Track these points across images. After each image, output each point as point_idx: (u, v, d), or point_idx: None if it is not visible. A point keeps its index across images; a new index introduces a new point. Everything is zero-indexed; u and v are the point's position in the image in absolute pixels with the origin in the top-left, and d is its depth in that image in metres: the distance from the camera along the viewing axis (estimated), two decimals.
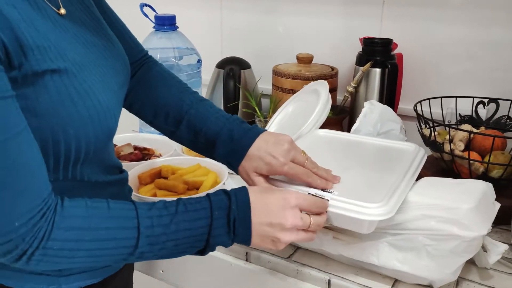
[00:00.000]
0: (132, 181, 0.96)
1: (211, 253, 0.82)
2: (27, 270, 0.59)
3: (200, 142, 0.74)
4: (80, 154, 0.56)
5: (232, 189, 0.61)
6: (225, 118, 0.73)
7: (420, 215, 0.69)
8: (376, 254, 0.71)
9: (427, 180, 0.78)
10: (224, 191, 0.61)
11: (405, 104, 1.17)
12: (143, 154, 1.13)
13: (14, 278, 0.60)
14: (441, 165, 0.99)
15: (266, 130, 0.73)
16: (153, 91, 0.76)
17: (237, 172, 0.72)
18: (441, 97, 1.07)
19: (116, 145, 1.15)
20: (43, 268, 0.57)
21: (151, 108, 0.76)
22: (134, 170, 0.99)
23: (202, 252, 0.61)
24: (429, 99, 1.06)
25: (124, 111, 0.78)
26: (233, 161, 0.71)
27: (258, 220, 0.59)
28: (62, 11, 0.56)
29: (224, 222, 0.58)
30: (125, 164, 1.05)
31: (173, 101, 0.74)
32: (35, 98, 0.49)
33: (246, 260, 0.80)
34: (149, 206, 0.56)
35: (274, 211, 0.59)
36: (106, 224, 0.53)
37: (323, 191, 0.69)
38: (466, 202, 0.68)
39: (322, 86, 1.00)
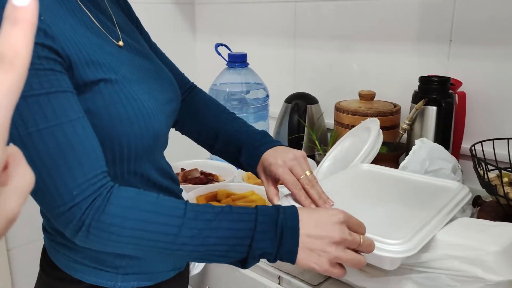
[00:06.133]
0: (191, 201, 1.06)
1: (247, 273, 0.88)
2: (91, 265, 0.71)
3: (231, 152, 0.85)
4: (131, 150, 0.66)
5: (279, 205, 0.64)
6: (254, 133, 0.84)
7: (445, 254, 0.68)
8: None
9: (463, 220, 0.76)
10: (271, 206, 0.63)
11: (469, 144, 1.13)
12: (207, 179, 1.23)
13: (80, 271, 0.71)
14: (500, 209, 0.94)
15: (283, 144, 0.82)
16: (197, 114, 0.90)
17: (256, 174, 0.82)
18: (507, 138, 1.03)
19: (184, 169, 1.26)
20: (97, 245, 0.59)
21: (196, 127, 0.89)
22: (194, 192, 1.09)
23: (244, 262, 0.60)
24: (493, 139, 1.02)
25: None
26: (253, 164, 0.82)
27: (306, 232, 0.58)
28: (121, 43, 0.70)
29: (270, 228, 0.58)
30: (189, 186, 1.15)
31: (212, 120, 0.87)
32: (93, 102, 0.62)
33: (279, 284, 0.84)
34: (197, 204, 0.62)
35: (322, 224, 0.59)
36: (152, 208, 0.58)
37: None
38: (494, 244, 0.65)
39: (374, 124, 1.02)
